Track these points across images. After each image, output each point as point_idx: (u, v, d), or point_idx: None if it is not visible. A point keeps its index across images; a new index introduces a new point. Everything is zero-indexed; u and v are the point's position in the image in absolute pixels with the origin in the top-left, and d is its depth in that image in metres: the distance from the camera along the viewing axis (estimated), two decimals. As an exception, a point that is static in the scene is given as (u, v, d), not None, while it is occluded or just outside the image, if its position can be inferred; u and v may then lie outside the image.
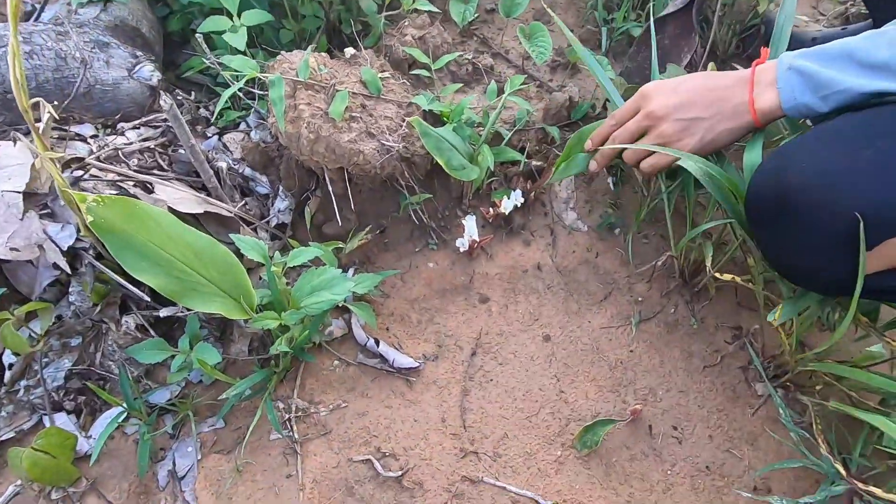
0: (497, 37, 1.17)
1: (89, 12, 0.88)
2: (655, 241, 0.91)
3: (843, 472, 0.63)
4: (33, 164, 0.65)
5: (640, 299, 0.86)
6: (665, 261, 0.81)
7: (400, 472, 0.69)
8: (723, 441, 0.72)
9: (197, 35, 0.81)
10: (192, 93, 0.93)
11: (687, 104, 0.67)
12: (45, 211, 0.67)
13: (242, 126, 0.93)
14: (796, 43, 0.95)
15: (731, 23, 1.13)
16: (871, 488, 0.60)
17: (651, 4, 1.12)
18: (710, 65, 0.78)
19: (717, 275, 0.72)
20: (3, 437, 0.68)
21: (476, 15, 1.13)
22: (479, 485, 0.68)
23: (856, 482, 0.62)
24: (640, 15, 1.19)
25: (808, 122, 0.68)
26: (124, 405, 0.68)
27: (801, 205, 0.53)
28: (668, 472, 0.70)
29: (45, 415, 0.70)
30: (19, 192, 0.64)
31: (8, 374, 0.71)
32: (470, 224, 0.86)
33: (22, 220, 0.64)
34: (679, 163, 0.67)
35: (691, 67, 0.96)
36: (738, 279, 0.70)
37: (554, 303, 0.85)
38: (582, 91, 1.06)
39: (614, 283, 0.88)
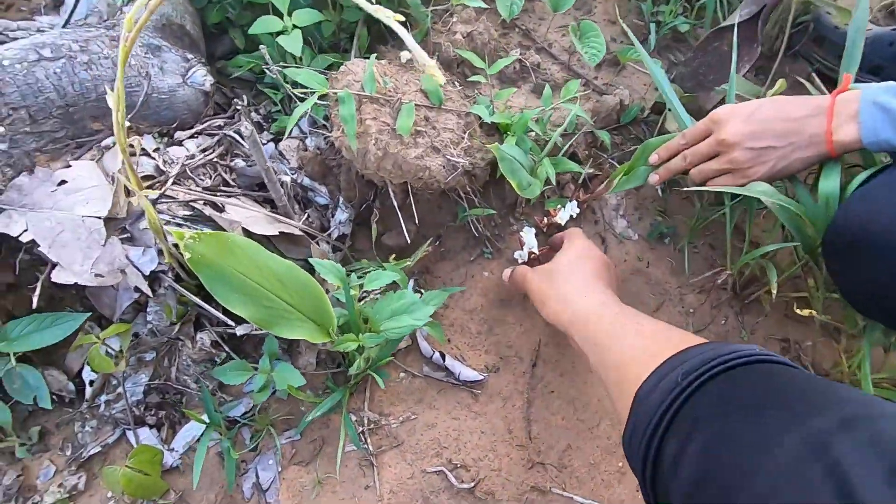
0: (539, 28, 1.14)
1: (138, 11, 0.84)
2: (704, 251, 0.93)
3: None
4: (115, 190, 0.64)
5: (691, 310, 0.88)
6: (716, 275, 0.84)
7: (472, 483, 0.72)
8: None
9: (260, 46, 0.78)
10: (244, 95, 0.91)
11: (760, 133, 0.67)
12: (124, 235, 0.67)
13: (296, 131, 0.91)
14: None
15: (779, 18, 1.11)
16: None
17: (701, 3, 1.10)
18: (780, 81, 0.77)
19: (799, 311, 0.72)
20: (91, 452, 0.71)
21: (522, 4, 1.10)
22: (547, 495, 0.73)
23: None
24: (687, 8, 1.16)
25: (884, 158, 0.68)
26: (206, 419, 0.70)
27: (888, 251, 0.54)
28: (724, 482, 0.74)
29: (129, 429, 0.72)
30: (100, 218, 0.64)
31: (89, 391, 0.72)
32: (529, 237, 0.87)
33: (104, 245, 0.64)
34: (748, 192, 0.68)
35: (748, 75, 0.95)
36: (813, 314, 0.71)
37: (609, 314, 0.87)
38: (631, 92, 1.04)
39: (666, 293, 0.90)
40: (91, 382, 0.72)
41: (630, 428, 0.44)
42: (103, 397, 0.73)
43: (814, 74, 1.04)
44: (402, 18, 0.49)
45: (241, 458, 0.73)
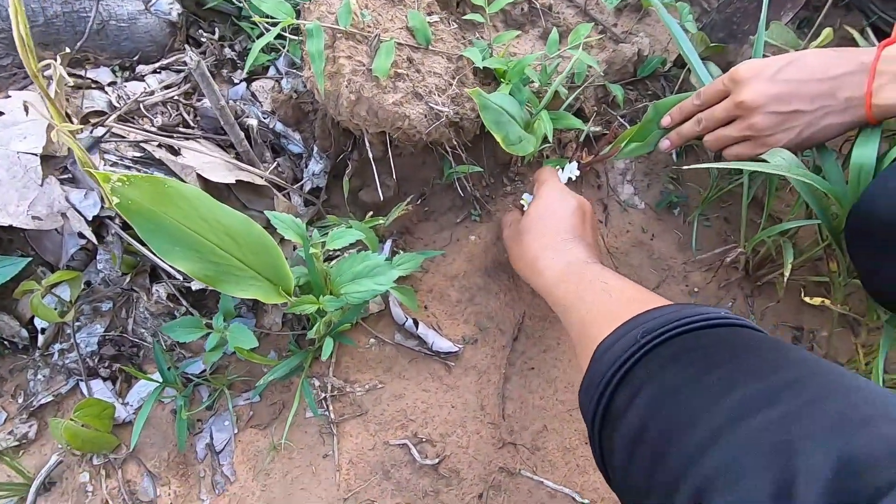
0: (556, -34, 1.01)
1: (96, -73, 0.75)
2: (718, 225, 0.84)
3: None
4: (48, 127, 0.58)
5: (696, 290, 0.80)
6: (733, 255, 0.75)
7: (437, 460, 0.68)
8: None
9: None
10: (216, 29, 0.83)
11: (787, 96, 0.56)
12: (65, 175, 0.62)
13: (272, 71, 0.83)
14: None
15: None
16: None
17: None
18: (826, 31, 0.65)
19: (807, 300, 0.64)
20: (43, 401, 0.68)
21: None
22: (516, 477, 0.68)
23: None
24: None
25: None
26: (159, 377, 0.67)
27: None
28: (710, 477, 0.68)
29: (81, 380, 0.69)
30: (37, 155, 0.58)
31: (41, 339, 0.69)
32: (528, 202, 0.78)
33: (42, 185, 0.59)
34: (763, 167, 0.58)
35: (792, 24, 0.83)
36: (825, 301, 0.63)
37: (603, 288, 0.80)
38: (652, 42, 0.93)
39: (669, 269, 0.82)
40: (42, 330, 0.69)
41: (586, 382, 0.44)
42: (57, 346, 0.70)
43: (868, 29, 0.90)
44: None
45: (197, 418, 0.70)
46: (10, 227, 0.60)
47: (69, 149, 0.60)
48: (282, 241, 0.67)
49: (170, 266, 0.65)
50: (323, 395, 0.71)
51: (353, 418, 0.71)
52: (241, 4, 0.89)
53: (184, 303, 0.71)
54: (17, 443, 0.66)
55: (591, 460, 0.69)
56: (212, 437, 0.68)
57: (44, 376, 0.69)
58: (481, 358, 0.75)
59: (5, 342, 0.68)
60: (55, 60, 0.44)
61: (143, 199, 0.51)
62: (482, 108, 0.67)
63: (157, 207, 0.52)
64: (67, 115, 0.60)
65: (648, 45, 0.91)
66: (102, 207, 0.62)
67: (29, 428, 0.67)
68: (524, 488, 0.67)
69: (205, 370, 0.71)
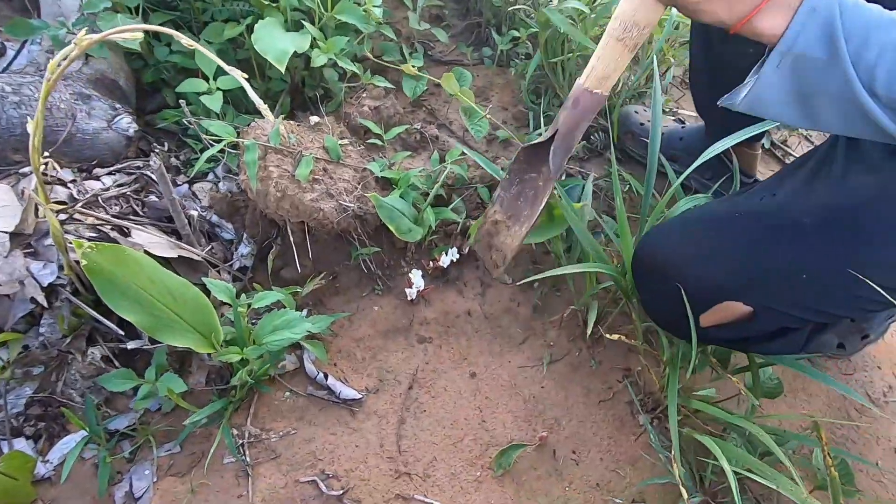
0: (443, 109, 1.36)
1: (73, 65, 0.96)
2: (567, 295, 1.10)
3: (696, 485, 0.80)
4: (25, 208, 0.72)
5: (551, 343, 1.02)
6: (570, 313, 0.99)
7: (341, 491, 0.79)
8: (610, 462, 0.88)
9: (181, 102, 0.91)
10: (165, 143, 1.03)
11: None
12: (28, 250, 0.74)
13: (211, 176, 1.03)
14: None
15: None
16: (717, 500, 0.77)
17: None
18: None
19: (608, 336, 0.89)
20: (-40, 461, 0.72)
21: (425, 88, 1.31)
22: (410, 501, 0.80)
23: (707, 497, 0.80)
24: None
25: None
26: (87, 430, 0.74)
27: (669, 278, 0.71)
28: (567, 489, 0.85)
29: (3, 439, 0.74)
30: (6, 233, 0.71)
31: (-32, 401, 0.75)
32: (417, 278, 1.00)
33: (6, 257, 0.71)
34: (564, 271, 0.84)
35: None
36: (622, 338, 0.87)
37: (480, 345, 1.00)
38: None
39: (531, 329, 1.04)
40: (-28, 392, 0.75)
41: None
42: (-17, 408, 0.75)
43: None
44: (246, 76, 0.64)
45: (118, 470, 0.76)
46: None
47: (35, 227, 0.73)
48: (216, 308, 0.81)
49: (115, 325, 0.76)
50: (241, 441, 0.81)
51: (267, 461, 0.80)
52: (185, 125, 1.11)
53: (116, 363, 0.81)
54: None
55: (474, 483, 0.83)
56: (131, 486, 0.74)
57: (-35, 438, 0.73)
58: (381, 404, 0.90)
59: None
60: (34, 163, 0.60)
61: (105, 262, 0.66)
62: (378, 207, 0.91)
63: (115, 269, 0.67)
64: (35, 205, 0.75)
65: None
66: (58, 276, 0.74)
67: (-59, 489, 0.70)
68: (417, 510, 0.79)
69: (130, 426, 0.79)
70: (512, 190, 0.84)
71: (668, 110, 1.46)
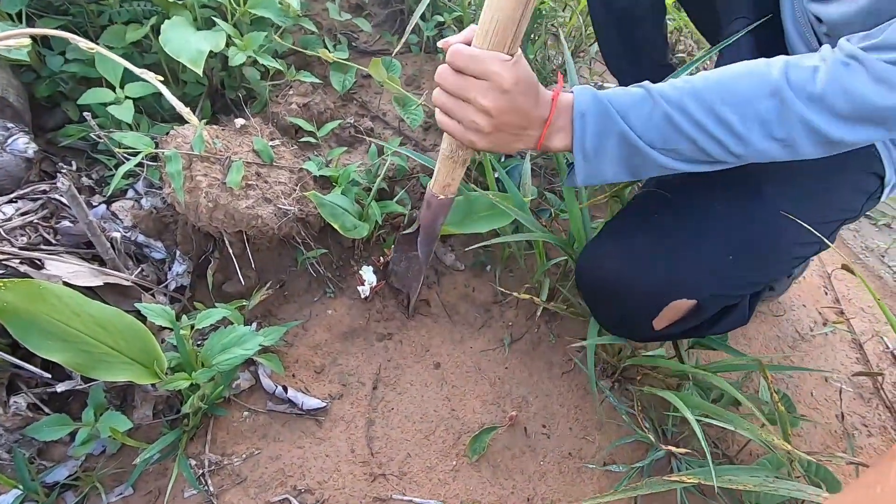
0: (375, 100, 1.32)
1: (-51, 84, 0.85)
2: (519, 274, 1.11)
3: (659, 439, 0.84)
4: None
5: (510, 324, 1.03)
6: (525, 291, 1.00)
7: (317, 504, 0.76)
8: (579, 431, 0.91)
9: (85, 115, 0.83)
10: (73, 162, 0.93)
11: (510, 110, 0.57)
12: (-80, 297, 0.65)
13: (130, 193, 0.95)
14: None
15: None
16: (679, 449, 0.81)
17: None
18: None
19: (547, 306, 0.94)
20: None
21: (354, 80, 1.27)
22: (388, 502, 0.78)
23: (670, 447, 0.84)
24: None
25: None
26: (21, 488, 0.67)
27: (616, 294, 0.72)
28: (541, 463, 0.86)
29: (-80, 515, 0.65)
30: None
31: None
32: (368, 274, 0.97)
33: None
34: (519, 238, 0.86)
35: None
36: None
37: (441, 334, 0.99)
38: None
39: (489, 312, 1.05)
40: None
41: None
42: None
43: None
44: (161, 78, 0.59)
45: (64, 524, 0.70)
46: None
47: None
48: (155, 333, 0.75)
49: (38, 369, 0.69)
50: (201, 471, 0.76)
51: (232, 487, 0.76)
52: (94, 140, 1.01)
53: (46, 410, 0.73)
54: None
55: (451, 473, 0.83)
56: (82, 539, 0.68)
57: None
58: (347, 409, 0.87)
59: None
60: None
61: (18, 301, 0.59)
62: (320, 206, 0.87)
63: (31, 307, 0.60)
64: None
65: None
66: (-38, 322, 0.65)
67: None
68: (397, 510, 0.78)
69: (71, 475, 0.72)
70: (401, 265, 0.97)
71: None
